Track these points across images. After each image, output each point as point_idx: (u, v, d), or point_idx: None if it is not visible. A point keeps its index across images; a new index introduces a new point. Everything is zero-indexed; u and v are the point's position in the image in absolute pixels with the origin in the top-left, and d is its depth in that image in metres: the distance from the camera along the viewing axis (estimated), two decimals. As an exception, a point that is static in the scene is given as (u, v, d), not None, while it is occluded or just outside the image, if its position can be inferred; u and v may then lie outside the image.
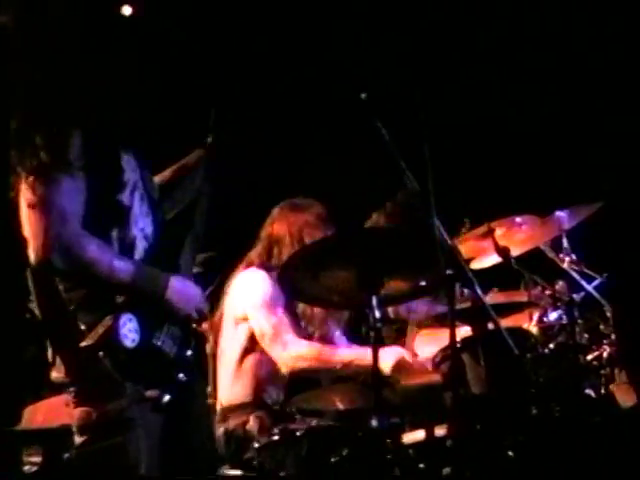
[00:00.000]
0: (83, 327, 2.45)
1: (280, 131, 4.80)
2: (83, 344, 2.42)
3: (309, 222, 3.87)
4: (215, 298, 3.95)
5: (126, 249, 2.63)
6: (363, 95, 3.01)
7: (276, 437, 3.35)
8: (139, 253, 2.66)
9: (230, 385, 3.80)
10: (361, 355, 3.60)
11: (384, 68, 4.57)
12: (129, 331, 2.47)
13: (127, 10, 2.91)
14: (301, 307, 3.85)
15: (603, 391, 3.45)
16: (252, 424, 3.55)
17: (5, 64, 2.64)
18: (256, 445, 3.37)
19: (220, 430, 3.69)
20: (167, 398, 2.52)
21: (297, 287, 3.30)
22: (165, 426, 2.60)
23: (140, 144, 2.77)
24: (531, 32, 4.92)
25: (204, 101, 3.04)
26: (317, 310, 3.84)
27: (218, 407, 3.80)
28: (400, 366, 3.63)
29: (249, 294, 3.82)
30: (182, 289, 2.66)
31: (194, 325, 2.75)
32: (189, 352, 2.65)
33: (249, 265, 3.90)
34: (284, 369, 3.74)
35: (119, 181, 2.63)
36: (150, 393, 2.51)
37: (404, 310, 4.05)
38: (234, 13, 4.55)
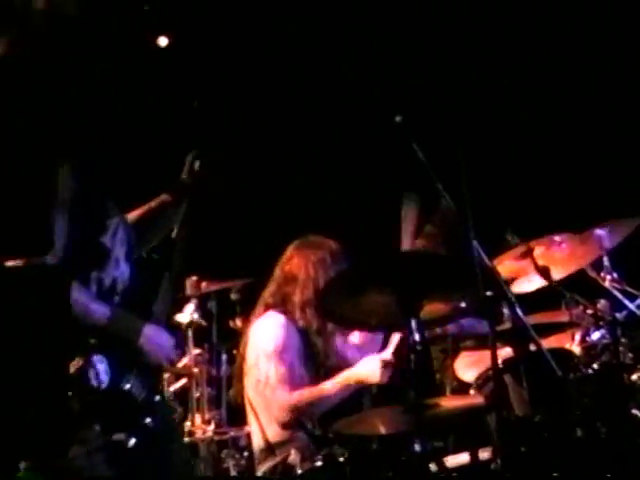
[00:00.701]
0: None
1: (314, 154, 4.82)
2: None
3: (324, 260, 3.89)
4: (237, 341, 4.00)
5: (105, 291, 2.64)
6: (398, 118, 3.02)
7: (319, 463, 3.36)
8: (118, 295, 2.68)
9: (267, 425, 3.81)
10: (344, 377, 3.74)
11: (417, 87, 4.58)
12: (99, 372, 2.50)
13: (163, 41, 2.94)
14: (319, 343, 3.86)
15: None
16: (294, 457, 3.54)
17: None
18: (299, 472, 3.38)
19: (263, 467, 3.71)
20: (132, 442, 2.52)
21: (335, 312, 3.31)
22: (133, 470, 2.59)
23: (119, 187, 2.79)
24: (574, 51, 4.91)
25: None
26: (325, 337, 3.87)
27: (257, 445, 3.82)
28: (387, 367, 3.68)
29: (262, 340, 3.85)
30: (154, 337, 2.67)
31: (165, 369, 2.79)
32: (157, 397, 2.68)
33: (266, 307, 3.92)
34: (283, 419, 3.77)
35: (102, 223, 2.67)
36: (117, 437, 2.51)
37: (454, 326, 4.02)
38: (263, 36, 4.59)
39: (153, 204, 2.95)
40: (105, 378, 2.51)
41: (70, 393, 2.44)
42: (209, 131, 2.94)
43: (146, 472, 2.61)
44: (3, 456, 2.47)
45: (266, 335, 3.85)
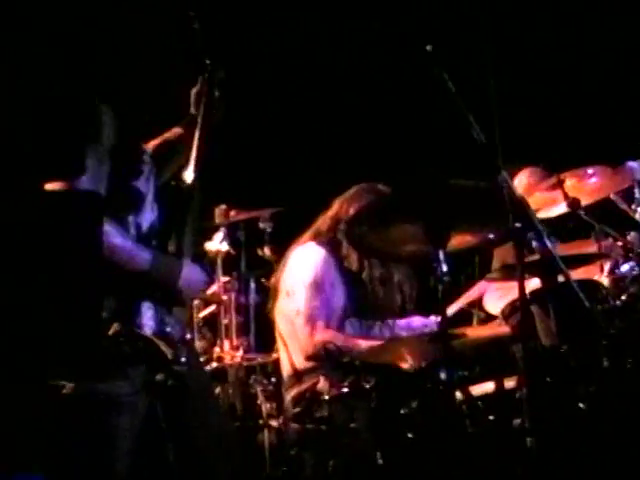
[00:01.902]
0: (105, 314, 2.51)
1: (347, 86, 4.78)
2: (110, 331, 2.50)
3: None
4: (265, 270, 4.03)
5: (144, 235, 2.67)
6: (429, 47, 2.98)
7: (346, 390, 3.39)
8: (156, 237, 2.70)
9: (295, 352, 3.84)
10: (384, 345, 3.63)
11: (449, 17, 4.51)
12: (148, 319, 2.56)
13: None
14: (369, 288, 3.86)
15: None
16: (322, 384, 3.59)
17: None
18: (326, 397, 3.43)
19: (291, 394, 3.76)
20: (171, 382, 2.59)
21: (363, 241, 3.33)
22: (175, 408, 2.66)
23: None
24: None
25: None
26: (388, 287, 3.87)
27: (286, 372, 3.86)
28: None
29: (301, 270, 3.84)
30: (191, 275, 2.70)
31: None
32: (188, 335, 2.75)
33: (313, 236, 3.90)
34: (306, 352, 3.77)
35: (138, 168, 2.68)
36: (159, 377, 2.57)
37: None
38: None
39: (168, 135, 2.95)
40: (153, 324, 2.57)
41: (122, 339, 2.50)
42: (215, 56, 2.88)
43: (180, 407, 2.67)
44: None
45: (305, 265, 3.83)
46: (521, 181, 4.41)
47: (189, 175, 2.75)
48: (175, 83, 2.99)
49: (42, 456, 2.61)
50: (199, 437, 2.72)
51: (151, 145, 2.91)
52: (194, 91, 2.91)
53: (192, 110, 2.91)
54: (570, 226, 3.89)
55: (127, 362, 2.53)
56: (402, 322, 3.92)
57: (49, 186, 2.53)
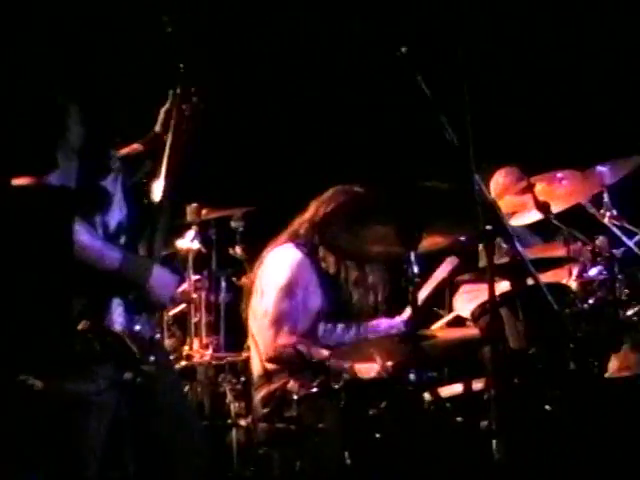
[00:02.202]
0: (74, 311, 2.51)
1: (321, 85, 4.78)
2: (79, 327, 2.49)
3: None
4: (252, 261, 4.02)
5: (111, 234, 2.66)
6: (403, 49, 2.99)
7: (315, 390, 3.42)
8: (123, 237, 2.70)
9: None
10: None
11: (422, 17, 4.52)
12: (118, 316, 2.56)
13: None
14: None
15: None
16: (292, 384, 3.60)
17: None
18: (295, 397, 3.44)
19: (260, 393, 3.76)
20: (139, 380, 2.59)
21: (334, 241, 3.34)
22: (137, 405, 2.66)
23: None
24: None
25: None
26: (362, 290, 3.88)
27: (256, 372, 3.85)
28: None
29: (276, 271, 3.85)
30: (161, 277, 2.69)
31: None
32: (158, 335, 2.76)
33: (290, 238, 3.91)
34: (267, 354, 3.77)
35: (106, 167, 2.68)
36: (126, 375, 2.58)
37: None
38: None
39: (127, 151, 2.92)
40: (121, 320, 2.57)
41: (91, 335, 2.50)
42: (190, 73, 2.87)
43: (148, 407, 2.67)
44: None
45: (280, 267, 3.85)
46: (497, 181, 4.44)
47: (158, 189, 2.75)
48: (148, 93, 2.98)
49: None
50: (166, 436, 2.72)
51: (121, 152, 2.90)
52: (163, 109, 2.91)
53: (156, 128, 2.91)
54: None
55: (95, 359, 2.52)
56: (370, 324, 3.93)
57: (18, 181, 2.52)
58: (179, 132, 2.84)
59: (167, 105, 2.90)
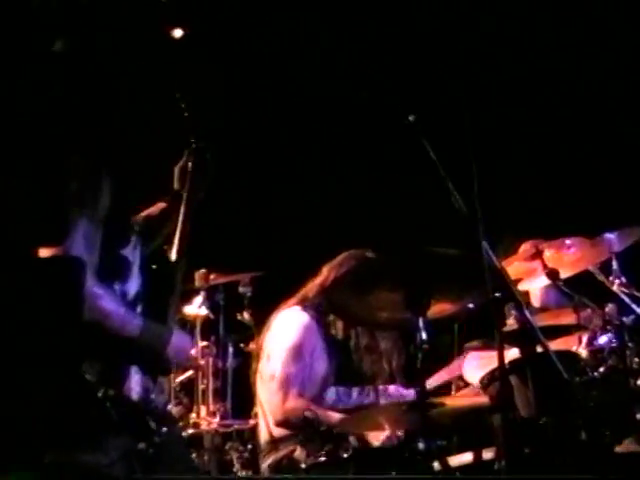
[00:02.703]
0: (89, 377, 2.48)
1: (331, 152, 4.83)
2: (99, 394, 2.47)
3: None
4: (260, 326, 4.01)
5: (129, 303, 2.67)
6: (411, 117, 3.03)
7: (323, 458, 3.38)
8: (140, 305, 2.70)
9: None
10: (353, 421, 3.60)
11: (430, 87, 4.58)
12: (135, 384, 2.54)
13: (178, 33, 2.94)
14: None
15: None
16: (299, 452, 3.56)
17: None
18: (303, 466, 3.40)
19: (267, 461, 3.73)
20: (151, 451, 2.56)
21: (343, 307, 3.33)
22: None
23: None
24: (578, 50, 4.90)
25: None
26: (375, 357, 3.87)
27: (263, 439, 3.82)
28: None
29: (283, 333, 3.85)
30: (178, 342, 2.70)
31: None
32: (170, 405, 2.76)
33: (300, 301, 3.90)
34: (275, 418, 3.75)
35: (127, 237, 2.70)
36: (140, 446, 2.54)
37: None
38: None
39: (152, 210, 2.95)
40: (138, 389, 2.55)
41: (109, 404, 2.47)
42: (201, 134, 2.92)
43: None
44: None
45: (287, 329, 3.84)
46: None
47: (173, 254, 2.76)
48: (162, 157, 3.02)
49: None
50: None
51: (139, 217, 2.92)
52: (178, 166, 2.93)
53: (175, 185, 2.92)
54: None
55: (111, 429, 2.48)
56: (388, 388, 3.90)
57: (43, 252, 2.52)
58: (194, 189, 2.87)
59: (181, 163, 2.92)
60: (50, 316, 2.51)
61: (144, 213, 2.93)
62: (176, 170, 2.93)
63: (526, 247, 4.21)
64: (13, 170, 2.68)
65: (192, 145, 2.88)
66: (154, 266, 2.77)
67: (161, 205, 2.96)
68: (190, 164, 2.88)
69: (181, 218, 2.81)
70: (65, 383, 2.49)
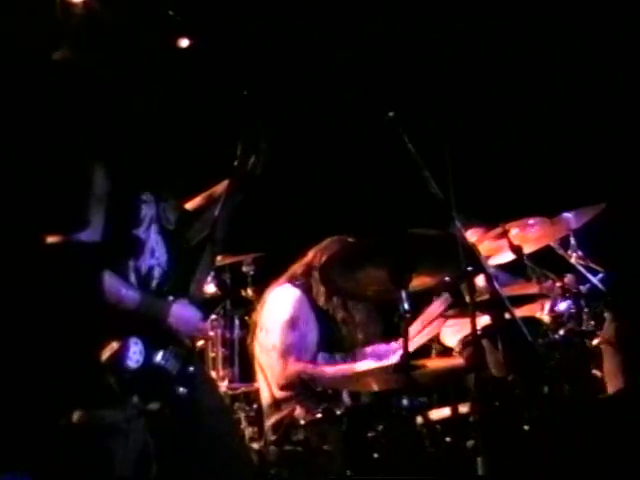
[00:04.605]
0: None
1: (322, 150, 4.81)
2: (101, 362, 2.48)
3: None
4: (248, 308, 4.03)
5: (142, 277, 2.68)
6: (391, 114, 3.01)
7: (319, 415, 3.40)
8: (156, 279, 2.71)
9: (273, 383, 3.81)
10: (347, 370, 3.65)
11: (408, 85, 4.55)
12: (134, 353, 2.53)
13: (184, 42, 2.92)
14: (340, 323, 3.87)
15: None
16: (299, 411, 3.58)
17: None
18: (302, 423, 3.43)
19: (270, 420, 3.74)
20: (167, 411, 2.56)
21: (335, 283, 3.35)
22: (170, 435, 2.63)
23: (160, 180, 2.79)
24: (538, 44, 4.81)
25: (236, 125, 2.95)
26: (351, 327, 3.88)
27: (265, 400, 3.82)
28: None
29: (278, 308, 3.85)
30: (182, 314, 2.68)
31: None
32: (191, 368, 2.68)
33: (290, 279, 3.91)
34: (279, 383, 3.75)
35: (136, 218, 2.69)
36: (152, 406, 2.55)
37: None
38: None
39: (216, 189, 2.93)
40: (140, 358, 2.54)
41: (107, 373, 2.48)
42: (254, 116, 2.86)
43: (178, 438, 2.64)
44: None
45: (282, 304, 3.84)
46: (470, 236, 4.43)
47: (216, 211, 2.76)
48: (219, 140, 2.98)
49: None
50: (206, 452, 2.67)
51: (196, 202, 2.92)
52: (240, 146, 2.88)
53: (237, 162, 2.89)
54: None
55: (117, 392, 2.50)
56: (368, 349, 3.91)
57: (51, 239, 2.54)
58: (238, 181, 2.86)
59: (242, 139, 2.87)
60: (72, 298, 2.52)
61: (202, 196, 2.91)
62: (239, 147, 2.89)
63: (473, 233, 4.20)
64: (23, 158, 2.68)
65: (254, 125, 2.84)
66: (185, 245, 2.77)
67: (226, 183, 2.91)
68: (248, 141, 2.85)
69: (222, 199, 2.80)
70: (84, 355, 2.51)
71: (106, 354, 2.48)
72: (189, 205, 2.99)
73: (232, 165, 2.89)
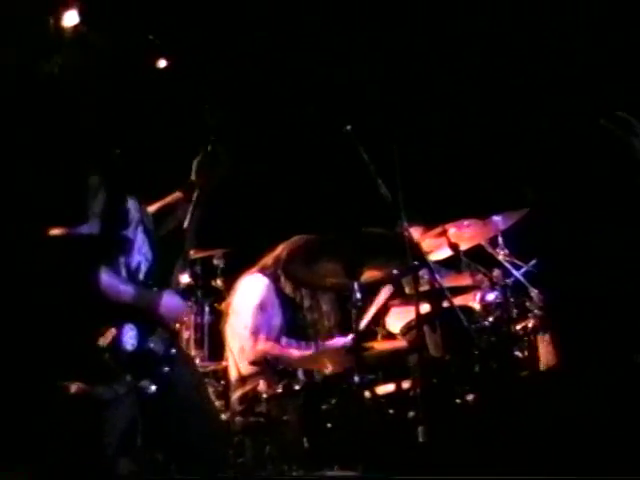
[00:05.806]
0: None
1: (288, 157, 4.82)
2: (99, 344, 2.56)
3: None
4: (230, 290, 4.10)
5: (132, 272, 2.76)
6: (348, 127, 3.06)
7: (280, 390, 3.47)
8: (143, 272, 2.80)
9: (240, 361, 3.86)
10: (312, 353, 3.74)
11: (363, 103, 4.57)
12: (130, 338, 2.62)
13: (162, 63, 2.98)
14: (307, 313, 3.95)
15: (527, 353, 3.51)
16: (262, 386, 3.63)
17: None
18: (264, 396, 3.49)
19: (236, 394, 3.78)
20: (153, 388, 2.65)
21: (296, 275, 3.45)
22: (155, 409, 2.69)
23: (140, 188, 2.87)
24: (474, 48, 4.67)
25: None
26: (317, 315, 3.95)
27: (232, 377, 3.86)
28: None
29: (249, 294, 3.91)
30: (170, 304, 2.76)
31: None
32: (173, 350, 2.77)
33: (261, 269, 3.97)
34: (249, 359, 3.79)
35: (125, 220, 2.77)
36: (142, 383, 2.64)
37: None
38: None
39: (169, 199, 3.01)
40: (134, 342, 2.64)
41: (107, 354, 2.57)
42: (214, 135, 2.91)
43: (163, 411, 2.71)
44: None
45: (252, 290, 3.92)
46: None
47: (185, 223, 2.84)
48: (180, 152, 3.04)
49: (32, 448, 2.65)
50: (185, 422, 2.74)
51: (154, 207, 2.99)
52: (195, 161, 2.95)
53: (192, 177, 2.95)
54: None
55: (114, 370, 2.59)
56: (328, 343, 3.96)
57: (53, 232, 2.60)
58: (208, 180, 2.92)
59: (199, 157, 2.94)
60: (71, 285, 2.58)
61: (160, 203, 2.98)
62: (194, 163, 2.95)
63: (414, 231, 4.31)
64: (28, 159, 2.74)
65: (209, 143, 2.90)
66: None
67: (177, 195, 2.99)
68: (205, 159, 2.91)
69: (192, 204, 2.86)
70: (82, 335, 2.57)
71: (107, 338, 2.57)
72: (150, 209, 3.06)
73: (188, 178, 2.96)
